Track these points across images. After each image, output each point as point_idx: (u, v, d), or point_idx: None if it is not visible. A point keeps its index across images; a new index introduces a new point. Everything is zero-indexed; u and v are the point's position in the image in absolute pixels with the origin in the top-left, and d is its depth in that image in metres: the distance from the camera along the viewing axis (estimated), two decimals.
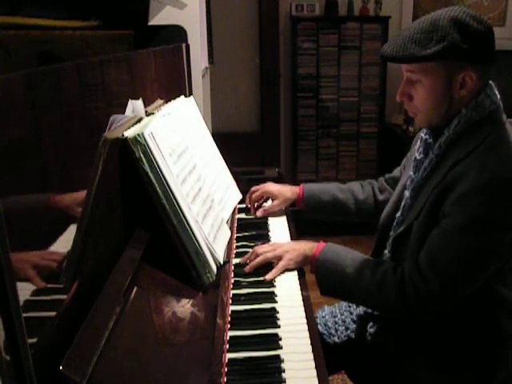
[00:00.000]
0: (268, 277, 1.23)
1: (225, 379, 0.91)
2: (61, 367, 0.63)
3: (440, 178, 1.12)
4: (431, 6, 3.55)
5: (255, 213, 1.62)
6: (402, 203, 1.26)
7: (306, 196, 1.56)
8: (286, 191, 1.59)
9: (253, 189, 1.64)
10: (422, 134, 1.26)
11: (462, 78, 1.11)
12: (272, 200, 1.62)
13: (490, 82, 1.17)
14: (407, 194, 1.24)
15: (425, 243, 1.13)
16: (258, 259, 1.27)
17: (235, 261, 1.34)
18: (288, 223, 1.59)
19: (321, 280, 1.23)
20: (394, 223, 1.28)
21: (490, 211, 1.04)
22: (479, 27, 1.09)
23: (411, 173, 1.26)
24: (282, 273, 1.29)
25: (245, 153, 3.36)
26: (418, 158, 1.25)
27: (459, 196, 1.06)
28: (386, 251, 1.30)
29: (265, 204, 1.67)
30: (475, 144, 1.09)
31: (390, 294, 1.13)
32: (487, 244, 1.06)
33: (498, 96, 1.16)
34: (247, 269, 1.26)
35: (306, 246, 1.27)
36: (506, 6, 3.60)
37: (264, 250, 1.29)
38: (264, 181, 1.75)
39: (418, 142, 1.28)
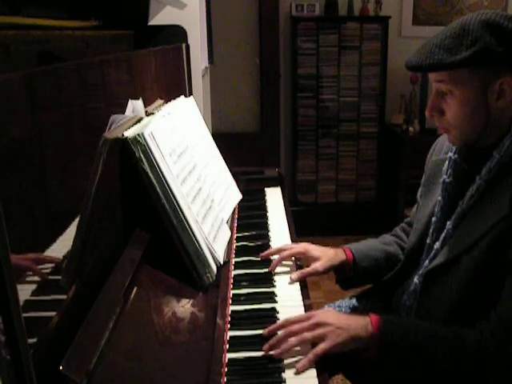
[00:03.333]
0: (298, 368, 0.93)
1: (225, 379, 0.91)
2: (61, 367, 0.63)
3: (505, 211, 0.97)
4: (431, 6, 3.54)
5: (274, 268, 1.29)
6: (443, 234, 1.11)
7: (357, 257, 1.30)
8: (329, 252, 1.30)
9: (283, 246, 1.33)
10: (451, 154, 1.14)
11: (499, 87, 1.00)
12: (309, 262, 1.30)
13: None
14: (450, 223, 1.10)
15: (476, 280, 1.00)
16: (293, 341, 0.96)
17: (236, 261, 1.34)
18: (288, 223, 1.59)
19: (390, 360, 0.99)
20: (432, 254, 1.13)
21: None
22: None
23: (439, 198, 1.15)
24: (283, 273, 1.29)
25: (245, 153, 3.36)
26: (447, 180, 1.13)
27: None
28: (409, 290, 1.18)
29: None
30: None
31: (495, 359, 0.95)
32: None
33: None
34: (276, 353, 0.95)
35: (357, 324, 1.00)
36: (506, 6, 3.59)
37: (300, 328, 0.98)
38: (264, 181, 1.75)
39: (446, 164, 1.16)
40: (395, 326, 1.01)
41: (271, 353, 0.95)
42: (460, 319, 1.03)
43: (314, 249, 1.31)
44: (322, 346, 0.95)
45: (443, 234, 1.12)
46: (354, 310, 1.39)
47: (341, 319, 1.01)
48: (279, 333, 1.00)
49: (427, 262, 1.15)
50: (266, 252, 1.34)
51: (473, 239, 1.02)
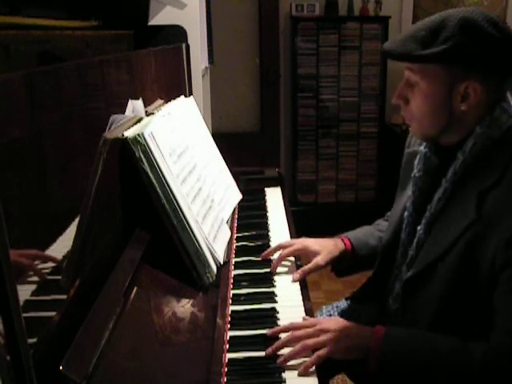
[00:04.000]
0: (302, 369, 0.93)
1: (225, 379, 0.91)
2: (61, 367, 0.63)
3: (472, 214, 0.96)
4: (431, 6, 3.55)
5: (275, 269, 1.28)
6: (415, 239, 1.11)
7: (356, 245, 1.30)
8: (328, 244, 1.29)
9: (282, 243, 1.33)
10: (422, 148, 1.14)
11: (465, 90, 0.98)
12: (310, 258, 1.28)
13: (508, 94, 1.04)
14: (421, 227, 1.10)
15: (453, 285, 0.99)
16: (298, 348, 0.96)
17: (236, 261, 1.34)
18: (288, 223, 1.59)
19: (389, 372, 0.98)
20: (408, 259, 1.12)
21: None
22: (494, 32, 0.95)
23: (410, 193, 1.15)
24: (283, 273, 1.29)
25: (245, 153, 3.36)
26: (417, 175, 1.13)
27: (510, 239, 0.90)
28: (390, 297, 1.17)
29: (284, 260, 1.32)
30: (501, 168, 0.96)
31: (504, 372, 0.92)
32: None
33: None
34: (280, 361, 0.95)
35: (361, 334, 0.99)
36: (506, 6, 3.60)
37: (305, 334, 0.98)
38: (264, 181, 1.74)
39: (418, 157, 1.15)
40: (397, 342, 0.99)
41: (278, 361, 0.95)
42: (445, 323, 1.03)
43: (312, 243, 1.29)
44: (323, 352, 0.95)
45: (416, 239, 1.11)
46: (350, 312, 1.39)
47: (345, 328, 1.00)
48: (283, 335, 1.00)
49: (405, 268, 1.14)
50: (266, 252, 1.34)
51: (445, 246, 1.01)
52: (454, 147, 1.05)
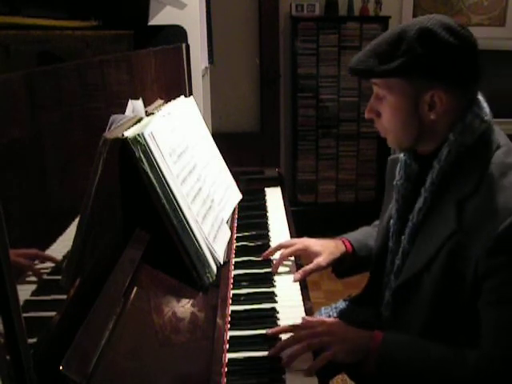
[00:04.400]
0: (307, 371, 0.94)
1: (225, 379, 0.91)
2: (61, 367, 0.63)
3: (453, 224, 0.96)
4: (431, 6, 3.55)
5: (276, 269, 1.29)
6: (400, 249, 1.11)
7: (356, 247, 1.30)
8: (329, 245, 1.30)
9: (283, 243, 1.33)
10: (401, 155, 1.14)
11: (430, 99, 0.98)
12: (311, 258, 1.29)
13: (478, 95, 1.04)
14: (405, 237, 1.10)
15: (442, 295, 0.99)
16: (299, 346, 0.96)
17: (236, 261, 1.34)
18: (288, 223, 1.59)
19: (386, 375, 1.00)
20: (395, 269, 1.13)
21: None
22: (451, 40, 0.95)
23: (394, 201, 1.15)
24: (283, 273, 1.29)
25: (245, 153, 3.36)
26: (399, 182, 1.13)
27: (493, 247, 0.91)
28: (387, 295, 1.16)
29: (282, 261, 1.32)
30: (477, 175, 0.96)
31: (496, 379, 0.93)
32: None
33: (488, 110, 1.03)
34: (287, 363, 0.95)
35: (361, 338, 1.00)
36: (506, 6, 3.60)
37: (307, 334, 0.99)
38: (264, 181, 1.74)
39: (399, 165, 1.15)
40: (393, 348, 1.00)
41: (283, 362, 0.95)
42: (434, 331, 1.03)
43: (314, 244, 1.30)
44: (325, 356, 0.96)
45: (401, 249, 1.11)
46: (348, 313, 1.39)
47: (345, 331, 1.02)
48: (284, 336, 1.01)
49: (393, 277, 1.14)
50: (267, 252, 1.34)
51: (428, 256, 1.01)
52: (430, 155, 1.05)
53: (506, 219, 0.90)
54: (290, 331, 1.02)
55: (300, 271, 1.25)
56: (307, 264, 1.28)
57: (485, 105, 1.03)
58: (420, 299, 1.04)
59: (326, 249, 1.28)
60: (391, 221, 1.17)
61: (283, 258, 1.29)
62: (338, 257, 1.28)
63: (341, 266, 1.32)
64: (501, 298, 0.92)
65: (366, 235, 1.35)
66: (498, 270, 0.91)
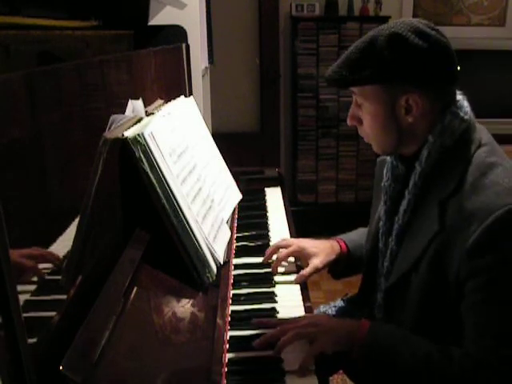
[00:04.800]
0: (300, 372, 0.94)
1: (225, 379, 0.91)
2: (61, 367, 0.63)
3: (436, 226, 0.97)
4: (431, 6, 3.54)
5: (276, 271, 1.29)
6: (388, 251, 1.12)
7: (351, 248, 1.31)
8: (325, 246, 1.30)
9: (279, 243, 1.33)
10: (388, 157, 1.15)
11: (406, 102, 0.99)
12: (307, 259, 1.29)
13: (458, 94, 1.05)
14: (392, 239, 1.11)
15: (426, 296, 1.00)
16: (290, 336, 0.98)
17: (236, 261, 1.34)
18: (288, 223, 1.58)
19: (369, 367, 1.00)
20: (384, 271, 1.13)
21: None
22: (421, 44, 0.95)
23: (382, 203, 1.15)
24: (283, 273, 1.29)
25: (245, 153, 3.36)
26: (386, 184, 1.14)
27: (471, 249, 0.91)
28: (375, 306, 1.17)
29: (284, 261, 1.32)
30: (458, 175, 0.97)
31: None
32: None
33: (468, 109, 1.03)
34: (276, 352, 0.97)
35: (347, 327, 1.02)
36: (506, 6, 3.59)
37: (293, 327, 1.01)
38: (264, 181, 1.74)
39: (386, 166, 1.16)
40: (379, 337, 1.00)
41: (273, 352, 0.97)
42: (424, 331, 1.02)
43: (310, 245, 1.30)
44: (315, 346, 0.97)
45: (389, 251, 1.11)
46: (346, 312, 1.39)
47: (331, 321, 1.04)
48: (270, 331, 1.02)
49: (383, 279, 1.14)
50: (266, 256, 1.32)
51: (415, 257, 1.01)
52: (413, 157, 1.05)
53: (486, 219, 0.90)
54: (277, 325, 1.03)
55: (299, 275, 1.25)
56: (305, 264, 1.28)
57: (465, 104, 1.03)
58: (409, 300, 1.04)
59: (321, 251, 1.29)
60: (380, 222, 1.17)
61: (280, 260, 1.30)
62: (334, 258, 1.29)
63: (337, 267, 1.33)
64: (481, 300, 0.92)
65: (361, 236, 1.35)
66: (478, 273, 0.91)
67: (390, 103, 1.00)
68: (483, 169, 0.96)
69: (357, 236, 1.36)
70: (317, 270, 1.26)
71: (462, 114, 1.01)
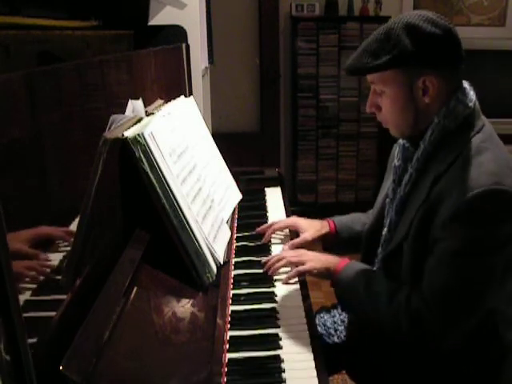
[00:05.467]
0: (286, 279, 1.24)
1: (225, 379, 0.91)
2: (61, 367, 0.63)
3: (424, 195, 1.07)
4: (431, 6, 3.55)
5: (268, 239, 1.47)
6: (388, 219, 1.20)
7: (339, 228, 1.45)
8: (315, 223, 1.47)
9: (273, 221, 1.51)
10: (400, 140, 1.23)
11: (423, 84, 1.07)
12: (299, 232, 1.46)
13: (465, 83, 1.12)
14: (392, 210, 1.19)
15: (417, 263, 1.08)
16: (282, 262, 1.26)
17: (236, 261, 1.34)
18: None
19: (339, 297, 1.24)
20: (382, 240, 1.22)
21: (479, 230, 1.00)
22: (433, 30, 1.05)
23: (391, 181, 1.23)
24: (283, 274, 1.29)
25: (245, 153, 3.36)
26: (397, 164, 1.22)
27: (446, 219, 1.01)
28: (376, 263, 1.24)
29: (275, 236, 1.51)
30: (454, 154, 1.05)
31: (403, 327, 1.08)
32: (483, 263, 1.01)
33: (474, 97, 1.11)
34: (270, 272, 1.26)
35: (331, 260, 1.24)
36: (506, 6, 3.60)
37: (288, 255, 1.28)
38: (264, 181, 1.74)
39: (397, 148, 1.25)
40: (351, 274, 1.19)
41: (269, 272, 1.26)
42: None
43: (302, 222, 1.47)
44: (303, 266, 1.24)
45: (388, 220, 1.20)
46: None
47: (320, 256, 1.27)
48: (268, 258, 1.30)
49: (380, 249, 1.23)
50: (260, 229, 1.46)
51: (406, 227, 1.11)
52: (419, 138, 1.13)
53: (464, 195, 0.99)
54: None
55: (290, 244, 1.40)
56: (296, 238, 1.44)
57: (471, 92, 1.12)
58: (402, 267, 1.13)
59: (312, 227, 1.45)
60: (387, 199, 1.25)
61: (275, 230, 1.47)
62: (323, 235, 1.44)
63: (327, 243, 1.48)
64: (436, 260, 1.04)
65: (352, 219, 1.47)
66: (444, 239, 1.02)
67: (409, 85, 1.08)
68: (475, 151, 1.04)
69: (348, 219, 1.48)
70: (306, 242, 1.42)
71: (466, 101, 1.09)
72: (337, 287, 1.22)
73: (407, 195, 1.15)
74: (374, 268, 1.24)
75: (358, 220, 1.46)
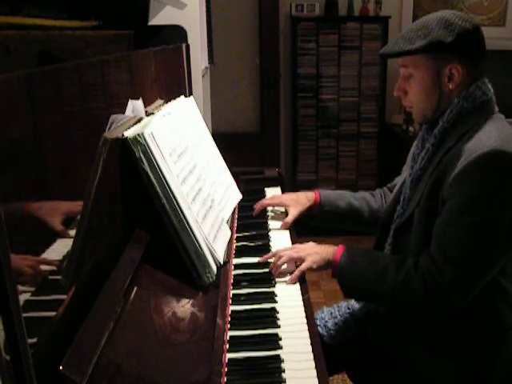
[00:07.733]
0: (291, 280, 1.24)
1: (225, 379, 0.91)
2: (61, 367, 0.63)
3: (435, 164, 1.17)
4: (431, 6, 3.55)
5: (257, 213, 1.60)
6: (402, 196, 1.29)
7: (322, 201, 1.54)
8: (301, 197, 1.56)
9: (264, 200, 1.62)
10: (421, 132, 1.32)
11: (449, 71, 1.18)
12: (287, 210, 1.57)
13: (485, 78, 1.22)
14: (407, 188, 1.27)
15: (427, 230, 1.15)
16: (283, 259, 1.27)
17: (236, 261, 1.34)
18: None
19: (343, 285, 1.24)
20: (395, 216, 1.30)
21: (485, 187, 1.07)
22: (464, 24, 1.16)
23: (410, 169, 1.30)
24: (282, 273, 1.29)
25: (245, 153, 3.36)
26: (416, 152, 1.30)
27: (454, 177, 1.09)
28: (386, 244, 1.32)
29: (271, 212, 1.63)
30: (465, 130, 1.16)
31: (416, 293, 1.13)
32: (489, 221, 1.07)
33: (491, 90, 1.22)
34: (276, 272, 1.27)
35: (328, 250, 1.27)
36: (506, 6, 3.60)
37: (287, 252, 1.30)
38: (264, 181, 1.74)
39: (417, 138, 1.34)
40: (352, 257, 1.23)
41: (273, 271, 1.28)
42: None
43: (287, 198, 1.58)
44: (304, 264, 1.26)
45: (402, 197, 1.30)
46: (351, 312, 1.40)
47: (316, 248, 1.30)
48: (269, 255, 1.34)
49: (393, 224, 1.31)
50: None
51: (419, 194, 1.20)
52: (438, 122, 1.23)
53: (472, 155, 1.08)
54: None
55: (283, 223, 1.52)
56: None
57: (489, 86, 1.22)
58: (413, 235, 1.20)
59: (296, 202, 1.55)
60: (404, 185, 1.32)
61: (264, 205, 1.59)
62: (307, 206, 1.54)
63: (310, 211, 1.56)
64: (443, 221, 1.12)
65: (338, 195, 1.56)
66: (452, 197, 1.10)
67: (437, 71, 1.19)
68: (483, 124, 1.15)
69: (334, 194, 1.58)
70: (287, 227, 1.53)
71: (485, 90, 1.20)
72: (340, 275, 1.24)
73: (423, 170, 1.23)
74: (387, 244, 1.31)
75: (342, 197, 1.55)
